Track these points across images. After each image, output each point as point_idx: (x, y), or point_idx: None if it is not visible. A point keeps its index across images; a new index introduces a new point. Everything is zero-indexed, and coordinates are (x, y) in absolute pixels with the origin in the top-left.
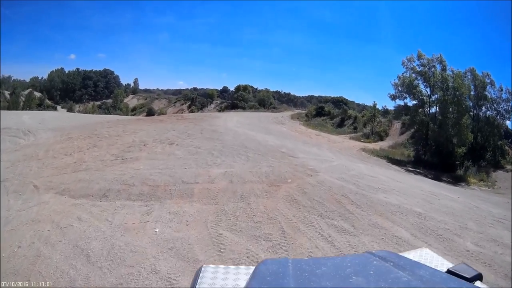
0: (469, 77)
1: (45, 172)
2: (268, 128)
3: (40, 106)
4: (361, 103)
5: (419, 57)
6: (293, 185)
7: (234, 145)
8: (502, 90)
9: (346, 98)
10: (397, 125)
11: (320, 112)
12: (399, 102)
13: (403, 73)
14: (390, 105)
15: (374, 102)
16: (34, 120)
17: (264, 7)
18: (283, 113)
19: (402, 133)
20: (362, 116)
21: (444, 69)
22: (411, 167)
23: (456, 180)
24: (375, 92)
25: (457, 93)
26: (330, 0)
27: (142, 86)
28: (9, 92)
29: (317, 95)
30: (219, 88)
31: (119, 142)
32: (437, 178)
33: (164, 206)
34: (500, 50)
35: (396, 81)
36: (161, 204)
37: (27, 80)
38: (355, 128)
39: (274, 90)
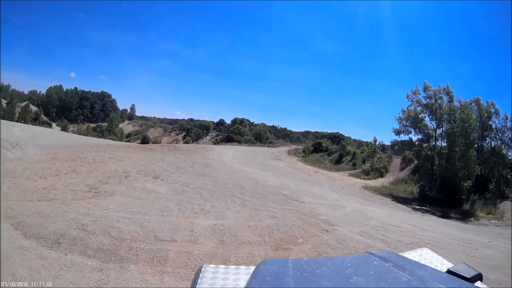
0: (474, 107)
1: (12, 194)
2: (265, 164)
3: (36, 121)
4: (357, 138)
5: (425, 89)
6: (307, 248)
7: (228, 184)
8: (507, 118)
9: (343, 133)
10: (397, 160)
11: (317, 148)
12: (404, 137)
13: (407, 107)
14: (387, 141)
15: (375, 137)
16: (25, 134)
17: (266, 39)
18: (279, 148)
19: (402, 169)
20: (361, 152)
21: (451, 100)
22: (417, 205)
23: (465, 216)
24: (371, 128)
25: (465, 125)
26: (332, 33)
27: (138, 112)
28: (6, 102)
29: (313, 131)
30: (216, 120)
31: (100, 169)
32: (445, 215)
33: (124, 275)
34: (505, 76)
35: (401, 115)
36: (121, 270)
37: (26, 92)
38: (354, 164)
39: (271, 125)
